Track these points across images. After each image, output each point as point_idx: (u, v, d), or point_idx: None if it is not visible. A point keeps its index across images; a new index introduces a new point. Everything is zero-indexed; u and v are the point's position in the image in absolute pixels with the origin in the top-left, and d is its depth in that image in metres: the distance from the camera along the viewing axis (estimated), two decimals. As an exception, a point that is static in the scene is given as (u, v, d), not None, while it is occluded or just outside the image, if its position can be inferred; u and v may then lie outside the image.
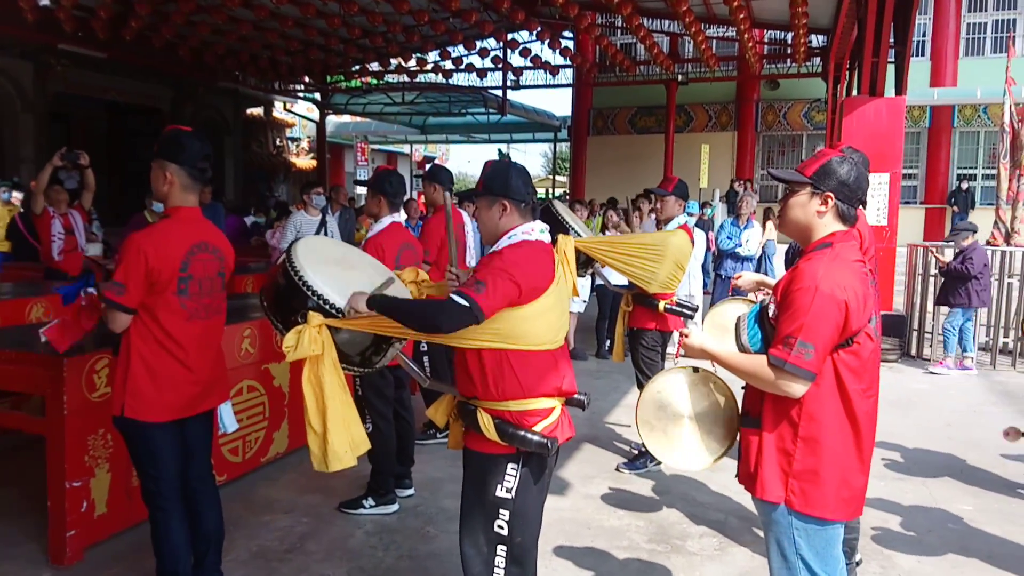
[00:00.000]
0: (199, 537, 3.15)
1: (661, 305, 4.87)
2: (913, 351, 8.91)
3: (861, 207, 2.41)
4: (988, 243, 8.97)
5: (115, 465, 3.72)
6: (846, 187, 2.31)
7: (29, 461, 4.36)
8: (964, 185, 17.76)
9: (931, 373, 8.03)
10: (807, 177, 2.35)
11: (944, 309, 8.34)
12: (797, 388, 2.21)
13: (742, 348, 2.41)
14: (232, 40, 14.54)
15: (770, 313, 2.35)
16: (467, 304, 2.36)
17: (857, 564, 3.57)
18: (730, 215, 14.60)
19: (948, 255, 8.31)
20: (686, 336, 2.50)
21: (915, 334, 8.94)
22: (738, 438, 2.50)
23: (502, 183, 2.60)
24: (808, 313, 2.18)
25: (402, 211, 4.52)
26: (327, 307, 2.57)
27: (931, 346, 8.74)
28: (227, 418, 3.24)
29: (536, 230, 2.63)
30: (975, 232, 7.99)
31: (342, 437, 2.57)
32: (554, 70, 17.50)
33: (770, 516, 2.34)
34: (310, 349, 2.49)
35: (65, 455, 3.49)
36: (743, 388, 2.47)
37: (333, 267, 2.79)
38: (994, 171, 10.51)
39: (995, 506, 4.52)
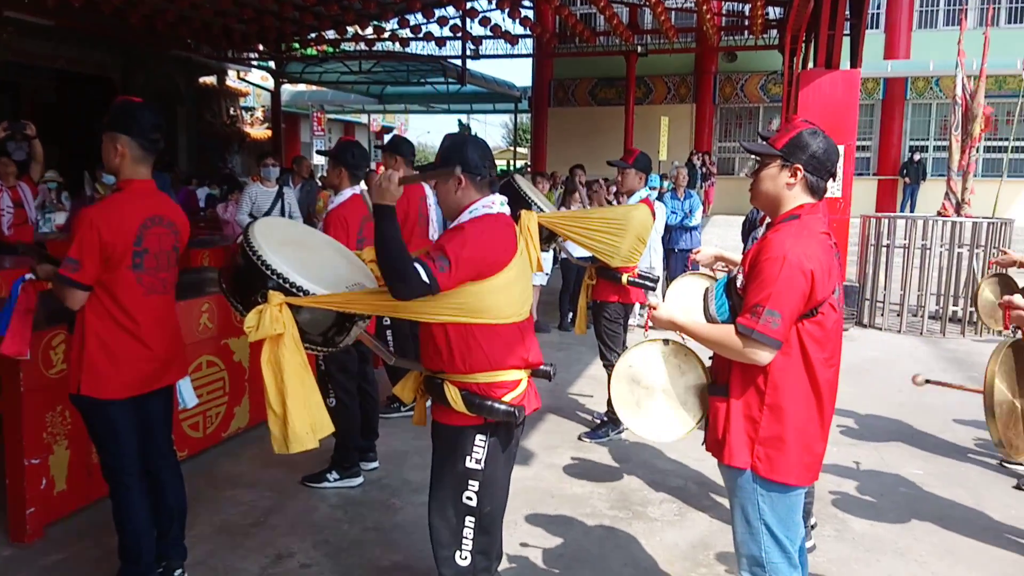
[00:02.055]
0: (162, 512, 3.13)
1: (624, 278, 4.90)
2: (866, 320, 9.12)
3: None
4: (939, 213, 9.18)
5: (74, 442, 3.66)
6: (816, 160, 2.34)
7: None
8: (916, 157, 18.11)
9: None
10: (778, 150, 2.37)
11: (896, 275, 8.51)
12: (764, 356, 2.25)
13: (710, 318, 2.45)
14: (184, 6, 14.06)
15: (738, 283, 2.39)
16: (427, 281, 2.35)
17: (813, 527, 3.68)
18: (690, 187, 14.74)
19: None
20: (654, 309, 2.53)
21: (867, 303, 9.14)
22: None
23: (458, 156, 2.58)
24: (776, 283, 2.22)
25: (362, 183, 4.45)
26: (287, 286, 2.52)
27: (883, 315, 8.95)
28: (186, 393, 3.20)
29: (497, 203, 2.61)
30: None
31: (303, 419, 2.54)
32: (513, 40, 17.32)
33: (736, 482, 2.39)
34: (271, 329, 2.45)
35: (23, 432, 3.44)
36: (711, 359, 2.51)
37: (291, 248, 2.73)
38: (945, 143, 10.72)
39: (945, 470, 4.68)
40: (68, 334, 3.04)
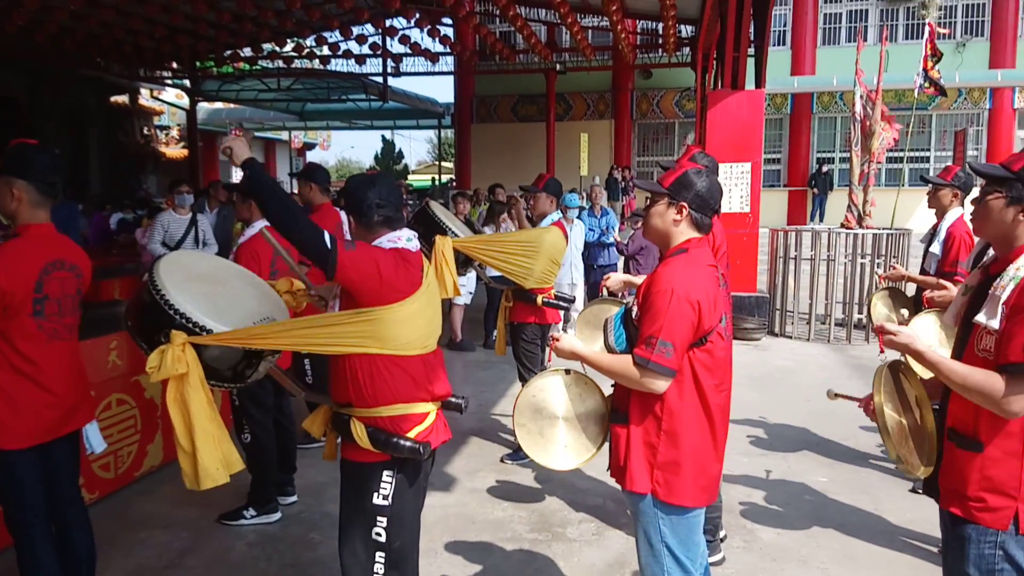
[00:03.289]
0: (71, 562, 3.05)
1: (539, 299, 5.00)
2: (776, 329, 9.48)
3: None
4: (843, 225, 9.63)
5: (-27, 492, 3.52)
6: (700, 198, 2.47)
7: None
8: (824, 168, 18.90)
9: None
10: (665, 188, 2.50)
11: (804, 284, 8.86)
12: (660, 384, 2.36)
13: (609, 348, 2.55)
14: (93, 25, 13.67)
15: (633, 315, 2.50)
16: (329, 246, 2.40)
17: (722, 540, 3.82)
18: (610, 201, 15.04)
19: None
20: (556, 340, 2.62)
21: (778, 313, 9.50)
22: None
23: (358, 200, 2.64)
24: (666, 314, 2.33)
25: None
26: (190, 326, 2.51)
27: (792, 324, 9.32)
28: (94, 439, 3.13)
29: (403, 239, 2.67)
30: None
31: (212, 455, 2.53)
32: (434, 57, 17.43)
33: (638, 507, 2.49)
34: (174, 369, 2.44)
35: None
36: (612, 387, 2.61)
37: (199, 283, 2.72)
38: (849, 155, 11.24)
39: (847, 476, 4.92)
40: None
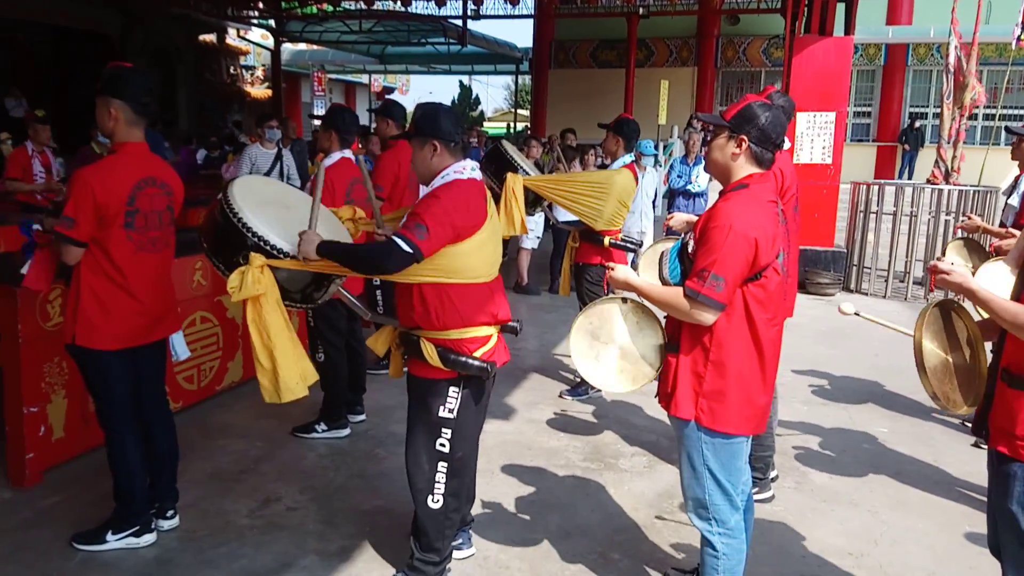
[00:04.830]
0: (155, 458, 3.32)
1: (606, 240, 5.04)
2: (852, 285, 9.27)
3: (786, 147, 2.58)
4: (929, 181, 9.29)
5: (71, 392, 3.85)
6: (761, 131, 2.46)
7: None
8: (916, 123, 18.08)
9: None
10: (726, 121, 2.51)
11: (884, 242, 8.62)
12: (708, 317, 2.41)
13: (663, 280, 2.61)
14: (182, -37, 14.04)
15: (689, 249, 2.54)
16: (410, 250, 2.55)
17: (773, 480, 3.88)
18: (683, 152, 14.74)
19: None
20: (611, 270, 2.69)
21: (855, 269, 9.28)
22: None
23: (432, 124, 2.75)
24: (722, 249, 2.37)
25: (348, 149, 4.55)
26: (268, 248, 2.68)
27: (869, 281, 9.10)
28: (179, 347, 3.38)
29: (468, 168, 2.77)
30: None
31: (291, 371, 2.73)
32: (514, 0, 17.24)
33: (682, 431, 2.57)
34: (254, 289, 2.63)
35: (21, 382, 3.61)
36: (665, 318, 2.67)
37: (271, 207, 2.89)
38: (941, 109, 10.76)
39: (909, 428, 4.87)
40: (65, 288, 3.21)
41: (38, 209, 6.52)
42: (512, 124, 28.08)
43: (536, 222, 8.57)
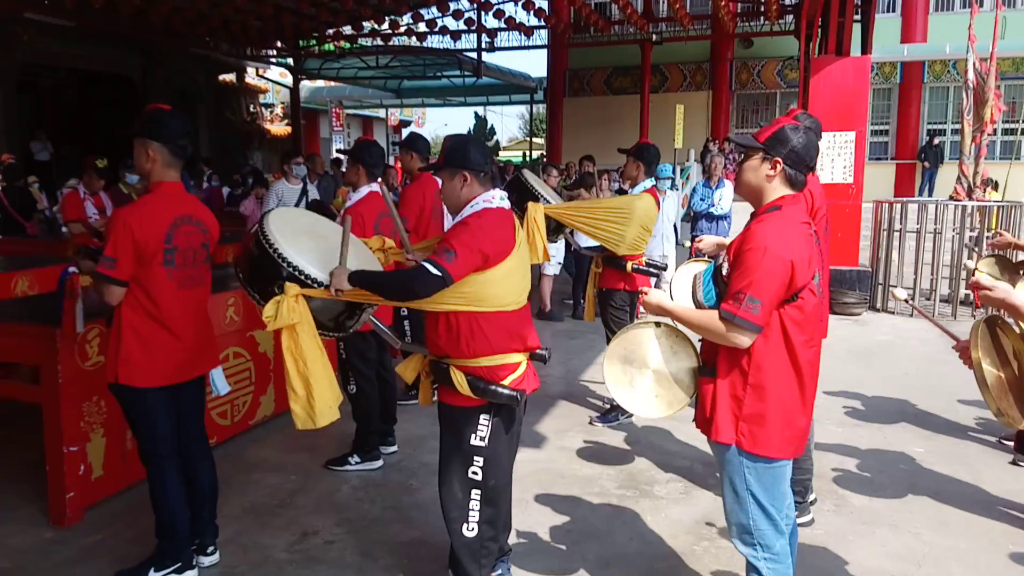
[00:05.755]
0: (195, 494, 3.34)
1: (629, 266, 5.05)
2: (878, 304, 9.20)
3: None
4: (952, 198, 9.23)
5: (110, 430, 3.89)
6: (795, 154, 2.47)
7: (24, 429, 4.51)
8: (935, 140, 18.02)
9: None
10: (760, 143, 2.53)
11: (908, 260, 8.57)
12: (744, 340, 2.41)
13: (697, 304, 2.61)
14: (203, 5, 14.34)
15: (724, 271, 2.55)
16: (439, 273, 2.59)
17: (812, 503, 3.84)
18: (704, 176, 14.78)
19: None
20: (645, 295, 2.70)
21: (880, 287, 9.22)
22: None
23: (461, 156, 2.80)
24: (757, 271, 2.37)
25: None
26: (303, 278, 2.74)
27: (895, 299, 9.02)
28: (219, 381, 3.42)
29: (496, 197, 2.82)
30: None
31: (325, 396, 2.78)
32: (528, 31, 17.42)
33: (723, 456, 2.56)
34: (289, 319, 2.68)
35: (61, 421, 3.66)
36: (700, 341, 2.67)
37: (304, 238, 2.95)
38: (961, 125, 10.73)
39: (945, 448, 4.81)
40: (105, 328, 3.27)
41: (96, 250, 6.63)
42: (528, 152, 28.23)
43: (557, 248, 8.61)
